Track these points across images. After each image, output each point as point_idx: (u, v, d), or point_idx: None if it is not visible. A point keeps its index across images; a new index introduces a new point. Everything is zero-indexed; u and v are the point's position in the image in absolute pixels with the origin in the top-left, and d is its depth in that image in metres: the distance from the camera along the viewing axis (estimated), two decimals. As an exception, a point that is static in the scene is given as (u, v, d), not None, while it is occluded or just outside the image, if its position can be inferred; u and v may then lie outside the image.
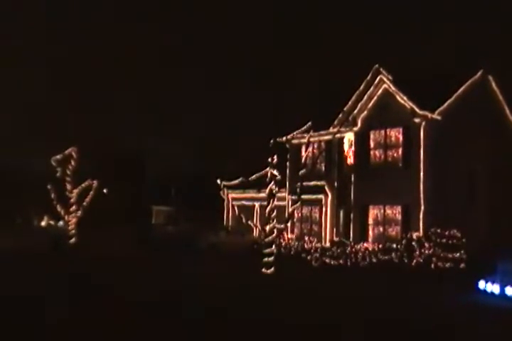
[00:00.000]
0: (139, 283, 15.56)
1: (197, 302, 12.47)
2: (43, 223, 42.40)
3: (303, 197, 19.22)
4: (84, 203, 26.66)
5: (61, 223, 32.60)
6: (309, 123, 25.94)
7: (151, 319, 10.39)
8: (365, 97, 24.71)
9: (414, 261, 20.66)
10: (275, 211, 18.77)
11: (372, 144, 24.46)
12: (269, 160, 18.68)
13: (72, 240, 25.89)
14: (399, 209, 23.06)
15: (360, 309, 12.42)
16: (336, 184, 26.32)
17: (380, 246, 22.03)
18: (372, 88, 24.52)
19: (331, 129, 25.92)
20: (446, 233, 20.65)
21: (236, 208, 27.29)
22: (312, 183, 25.22)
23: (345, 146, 25.68)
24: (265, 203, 19.23)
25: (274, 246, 18.52)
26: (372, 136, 24.47)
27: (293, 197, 25.85)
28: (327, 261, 22.95)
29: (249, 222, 20.42)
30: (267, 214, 18.73)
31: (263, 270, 18.04)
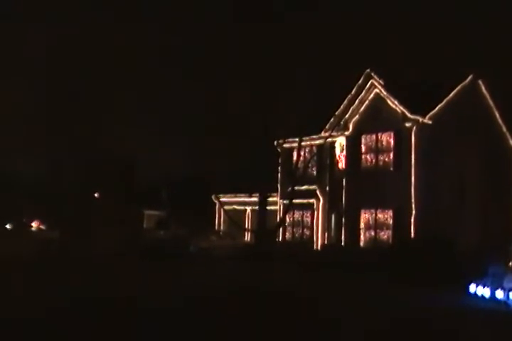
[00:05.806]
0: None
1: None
2: (33, 228, 42.07)
3: (294, 201, 19.27)
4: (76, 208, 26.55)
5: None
6: (301, 127, 25.98)
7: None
8: (357, 101, 24.79)
9: (405, 264, 20.65)
10: (267, 215, 18.77)
11: (363, 148, 24.52)
12: (261, 164, 18.69)
13: (63, 245, 25.76)
14: (390, 213, 23.11)
15: (354, 312, 12.41)
16: (327, 188, 26.34)
17: (372, 249, 22.05)
18: (363, 92, 24.61)
19: (323, 133, 25.96)
20: (437, 237, 20.69)
21: (227, 212, 27.25)
22: (304, 187, 25.23)
23: (337, 150, 25.74)
24: (257, 207, 19.23)
25: (265, 250, 18.49)
26: (363, 140, 24.54)
27: (285, 202, 25.87)
28: (319, 264, 22.91)
29: (241, 227, 20.39)
30: (258, 219, 18.71)
31: (254, 274, 18.00)
